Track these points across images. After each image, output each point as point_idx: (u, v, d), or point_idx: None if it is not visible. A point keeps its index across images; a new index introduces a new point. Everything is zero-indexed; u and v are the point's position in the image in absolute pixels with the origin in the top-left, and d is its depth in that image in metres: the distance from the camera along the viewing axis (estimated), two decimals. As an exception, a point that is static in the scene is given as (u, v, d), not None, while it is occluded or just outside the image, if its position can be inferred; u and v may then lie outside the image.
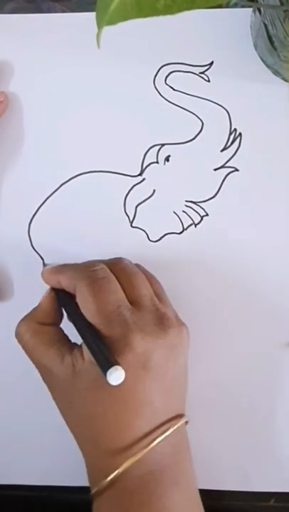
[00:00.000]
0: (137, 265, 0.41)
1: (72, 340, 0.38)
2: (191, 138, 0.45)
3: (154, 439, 0.34)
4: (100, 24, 0.21)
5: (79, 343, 0.37)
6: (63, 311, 0.40)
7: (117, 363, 0.32)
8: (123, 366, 0.32)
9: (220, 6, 0.20)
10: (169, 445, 0.35)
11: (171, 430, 0.34)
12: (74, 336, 0.37)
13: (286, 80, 0.44)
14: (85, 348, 0.35)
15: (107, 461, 0.34)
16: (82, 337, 0.36)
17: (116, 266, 0.38)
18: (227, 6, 0.44)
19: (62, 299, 0.39)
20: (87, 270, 0.37)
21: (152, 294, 0.38)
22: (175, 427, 0.35)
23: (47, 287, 0.40)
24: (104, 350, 0.33)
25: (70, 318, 0.38)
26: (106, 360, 0.33)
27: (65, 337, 0.38)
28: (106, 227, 0.45)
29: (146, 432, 0.34)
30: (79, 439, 0.36)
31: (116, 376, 0.31)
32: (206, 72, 0.45)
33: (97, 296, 0.35)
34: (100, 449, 0.34)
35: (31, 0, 0.46)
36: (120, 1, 0.20)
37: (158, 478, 0.34)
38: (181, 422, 0.36)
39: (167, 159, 0.45)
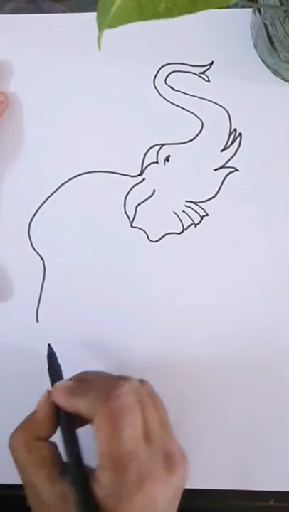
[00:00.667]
0: (143, 384, 0.38)
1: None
2: (191, 138, 0.45)
3: None
4: (101, 27, 0.21)
5: None
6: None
7: None
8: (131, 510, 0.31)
9: (220, 7, 0.20)
10: None
11: None
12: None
13: (286, 80, 0.44)
14: None
15: None
16: (71, 475, 0.33)
17: (138, 391, 0.36)
18: (227, 6, 0.44)
19: (62, 417, 0.36)
20: (111, 394, 0.34)
21: (159, 426, 0.36)
22: None
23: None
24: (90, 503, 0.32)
25: (65, 442, 0.35)
26: None
27: (59, 456, 0.36)
28: (106, 227, 0.45)
29: None
30: None
31: None
32: (206, 72, 0.45)
33: (118, 432, 0.33)
34: None
35: (31, 0, 0.46)
36: (121, 4, 0.20)
37: None
38: None
39: (167, 159, 0.45)
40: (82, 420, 0.35)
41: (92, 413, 0.34)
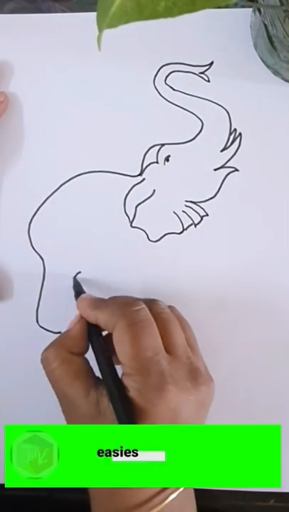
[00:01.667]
0: (171, 308, 0.40)
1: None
2: (191, 138, 0.45)
3: (168, 496, 0.33)
4: (101, 27, 0.21)
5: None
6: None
7: (135, 423, 0.32)
8: (153, 419, 0.32)
9: (219, 6, 0.20)
10: (179, 499, 0.34)
11: (181, 489, 0.34)
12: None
13: (286, 80, 0.44)
14: None
15: None
16: (105, 379, 0.35)
17: (153, 308, 0.38)
18: (227, 6, 0.44)
19: (91, 332, 0.38)
20: (128, 309, 0.36)
21: (186, 343, 0.38)
22: (174, 495, 0.34)
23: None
24: (126, 403, 0.33)
25: (96, 353, 0.37)
26: (126, 416, 0.32)
27: (91, 370, 0.38)
28: (106, 227, 0.45)
29: (158, 490, 0.33)
30: (93, 491, 0.36)
31: None
32: (206, 72, 0.45)
33: (136, 340, 0.34)
34: (115, 505, 0.34)
35: (31, 0, 0.46)
36: (121, 3, 0.20)
37: None
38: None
39: (167, 159, 0.45)
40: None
41: (112, 324, 0.36)
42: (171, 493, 0.33)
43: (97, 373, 0.37)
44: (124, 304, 0.37)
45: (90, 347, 0.39)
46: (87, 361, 0.38)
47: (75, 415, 0.36)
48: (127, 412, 0.33)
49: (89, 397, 0.35)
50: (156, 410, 0.33)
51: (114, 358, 0.37)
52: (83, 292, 0.42)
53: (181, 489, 0.34)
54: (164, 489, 0.33)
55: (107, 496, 0.34)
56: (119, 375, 0.36)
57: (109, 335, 0.37)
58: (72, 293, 0.44)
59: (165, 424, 0.33)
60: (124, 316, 0.35)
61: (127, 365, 0.34)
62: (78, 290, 0.42)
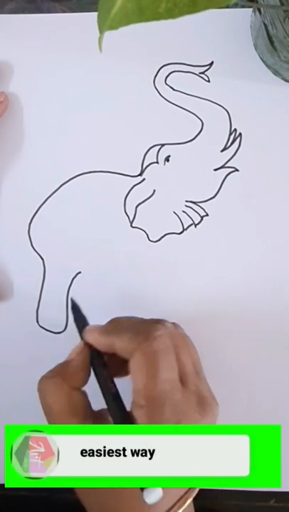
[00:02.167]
0: (175, 327, 0.39)
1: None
2: (191, 138, 0.45)
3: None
4: (102, 29, 0.21)
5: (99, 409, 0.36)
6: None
7: None
8: None
9: (220, 7, 0.20)
10: None
11: (188, 502, 0.34)
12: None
13: (286, 80, 0.44)
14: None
15: None
16: (111, 413, 0.34)
17: (173, 334, 0.36)
18: (227, 6, 0.44)
19: (94, 361, 0.37)
20: (149, 336, 0.34)
21: (194, 370, 0.37)
22: (191, 499, 0.34)
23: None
24: None
25: (102, 386, 0.36)
26: None
27: (89, 404, 0.36)
28: (106, 227, 0.45)
29: (167, 508, 0.33)
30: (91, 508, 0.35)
31: (154, 496, 0.31)
32: (206, 72, 0.45)
33: (157, 371, 0.33)
34: None
35: (31, 0, 0.46)
36: (122, 5, 0.20)
37: None
38: (196, 491, 0.34)
39: (167, 159, 0.45)
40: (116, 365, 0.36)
41: (129, 352, 0.34)
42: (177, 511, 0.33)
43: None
44: (143, 329, 0.35)
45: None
46: (85, 395, 0.37)
47: None
48: None
49: None
50: None
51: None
52: (81, 314, 0.40)
53: (185, 505, 0.33)
54: (171, 508, 0.33)
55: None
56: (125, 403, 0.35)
57: (112, 359, 0.36)
58: (73, 293, 0.44)
59: None
60: (144, 343, 0.34)
61: (141, 395, 0.33)
62: (79, 316, 0.40)
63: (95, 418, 0.35)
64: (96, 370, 0.36)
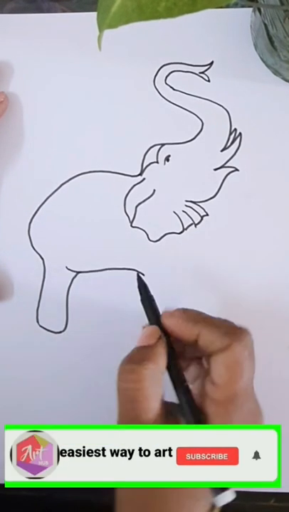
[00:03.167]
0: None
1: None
2: (191, 138, 0.45)
3: None
4: (101, 27, 0.21)
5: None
6: None
7: None
8: None
9: (220, 6, 0.20)
10: None
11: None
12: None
13: (286, 80, 0.44)
14: None
15: None
16: (182, 408, 0.34)
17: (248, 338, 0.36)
18: (227, 6, 0.44)
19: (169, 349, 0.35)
20: (243, 333, 0.34)
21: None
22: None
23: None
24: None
25: (173, 374, 0.35)
26: None
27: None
28: (106, 227, 0.45)
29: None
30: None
31: (226, 498, 0.31)
32: (206, 72, 0.45)
33: (243, 371, 0.33)
34: None
35: (31, 0, 0.46)
36: (121, 4, 0.20)
37: None
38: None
39: (167, 159, 0.45)
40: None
41: (218, 346, 0.33)
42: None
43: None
44: (234, 328, 0.35)
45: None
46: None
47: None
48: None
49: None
50: None
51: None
52: (150, 293, 0.38)
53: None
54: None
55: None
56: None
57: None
58: (73, 293, 0.44)
59: None
60: (241, 339, 0.34)
61: (220, 391, 0.33)
62: (148, 297, 0.38)
63: (171, 410, 0.34)
64: (169, 359, 0.35)
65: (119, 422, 0.34)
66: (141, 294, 0.38)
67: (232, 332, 0.34)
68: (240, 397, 0.33)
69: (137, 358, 0.34)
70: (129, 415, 0.34)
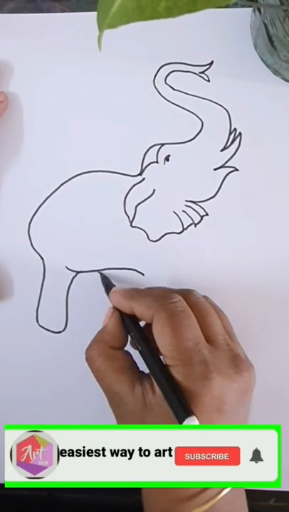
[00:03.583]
0: (205, 297, 0.40)
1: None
2: (191, 138, 0.45)
3: (223, 489, 0.33)
4: (101, 27, 0.21)
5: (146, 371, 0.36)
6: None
7: (192, 413, 0.31)
8: (200, 408, 0.32)
9: (220, 6, 0.20)
10: (231, 494, 0.34)
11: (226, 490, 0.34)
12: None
13: (286, 80, 0.44)
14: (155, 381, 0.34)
15: (176, 506, 0.33)
16: (152, 371, 0.35)
17: (189, 299, 0.38)
18: (227, 6, 0.44)
19: (128, 324, 0.38)
20: (165, 301, 0.36)
21: (224, 331, 0.38)
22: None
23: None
24: (179, 394, 0.33)
25: (137, 346, 0.37)
26: (182, 407, 0.32)
27: (135, 364, 0.38)
28: (106, 227, 0.45)
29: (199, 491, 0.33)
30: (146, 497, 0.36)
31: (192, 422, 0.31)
32: (206, 72, 0.45)
33: (177, 331, 0.34)
34: (168, 496, 0.34)
35: (31, 0, 0.46)
36: (121, 4, 0.20)
37: None
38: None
39: (167, 159, 0.45)
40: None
41: (149, 316, 0.36)
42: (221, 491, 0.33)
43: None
44: (161, 296, 0.37)
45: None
46: (130, 355, 0.38)
47: (124, 411, 0.36)
48: (182, 401, 0.33)
49: (134, 392, 0.35)
50: (202, 399, 0.33)
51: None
52: (113, 285, 0.42)
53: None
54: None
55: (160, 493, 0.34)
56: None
57: (147, 325, 0.37)
58: (73, 293, 0.44)
59: (212, 412, 0.33)
60: (162, 308, 0.35)
61: (169, 356, 0.34)
62: (107, 283, 0.43)
63: (141, 378, 0.36)
64: (131, 334, 0.38)
65: (111, 407, 0.37)
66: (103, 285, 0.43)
67: (156, 301, 0.36)
68: (185, 354, 0.34)
69: (91, 342, 0.39)
70: (106, 394, 0.37)
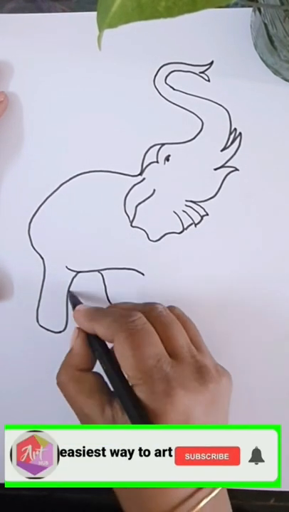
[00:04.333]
0: (172, 308, 0.40)
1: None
2: (191, 138, 0.45)
3: (200, 501, 0.33)
4: (101, 27, 0.21)
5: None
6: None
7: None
8: (166, 423, 0.32)
9: (220, 6, 0.20)
10: (212, 506, 0.33)
11: (216, 491, 0.34)
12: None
13: (286, 80, 0.44)
14: None
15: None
16: (116, 391, 0.35)
17: (151, 313, 0.38)
18: (227, 6, 0.44)
19: (93, 344, 0.38)
20: (124, 320, 0.36)
21: (189, 342, 0.38)
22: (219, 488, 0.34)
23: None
24: (142, 413, 0.33)
25: (103, 365, 0.37)
26: (142, 422, 0.32)
27: (105, 385, 0.37)
28: (106, 227, 0.45)
29: (191, 492, 0.33)
30: (123, 499, 0.35)
31: None
32: (206, 72, 0.45)
33: (137, 350, 0.34)
34: (147, 506, 0.34)
35: (31, 0, 0.46)
36: (121, 3, 0.20)
37: None
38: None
39: (167, 159, 0.45)
40: None
41: (110, 337, 0.36)
42: (204, 498, 0.33)
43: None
44: (120, 316, 0.37)
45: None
46: (100, 376, 0.38)
47: None
48: (144, 419, 0.33)
49: (104, 414, 0.35)
50: (167, 416, 0.33)
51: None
52: (80, 303, 0.42)
53: (214, 494, 0.33)
54: (198, 490, 0.33)
55: (136, 497, 0.34)
56: None
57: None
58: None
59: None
60: (121, 328, 0.35)
61: (131, 376, 0.35)
62: (74, 302, 0.43)
63: (112, 399, 0.36)
64: (97, 353, 0.38)
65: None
66: (71, 304, 0.43)
67: (116, 321, 0.36)
68: (146, 372, 0.34)
69: (60, 366, 0.39)
70: (78, 417, 0.37)
